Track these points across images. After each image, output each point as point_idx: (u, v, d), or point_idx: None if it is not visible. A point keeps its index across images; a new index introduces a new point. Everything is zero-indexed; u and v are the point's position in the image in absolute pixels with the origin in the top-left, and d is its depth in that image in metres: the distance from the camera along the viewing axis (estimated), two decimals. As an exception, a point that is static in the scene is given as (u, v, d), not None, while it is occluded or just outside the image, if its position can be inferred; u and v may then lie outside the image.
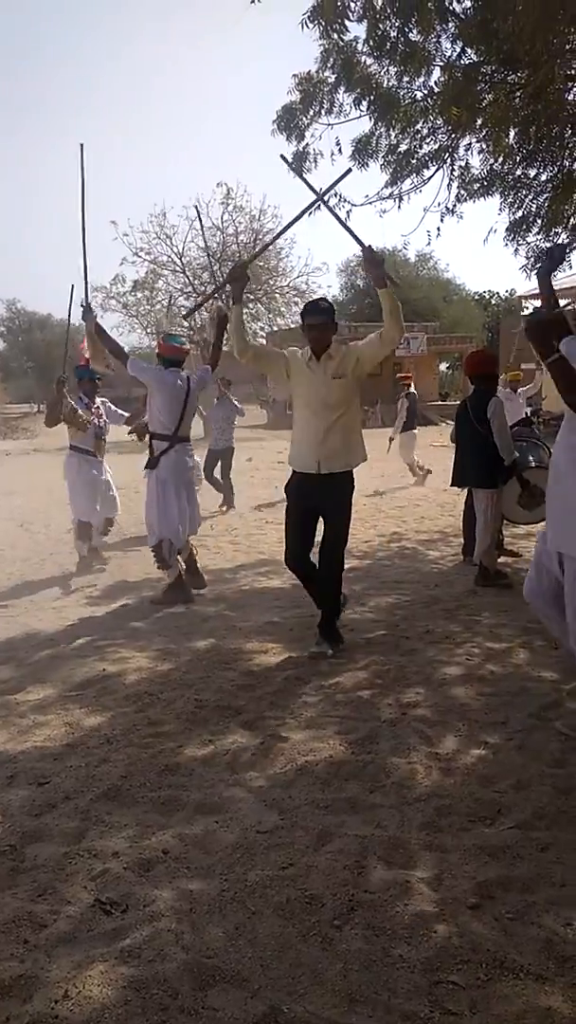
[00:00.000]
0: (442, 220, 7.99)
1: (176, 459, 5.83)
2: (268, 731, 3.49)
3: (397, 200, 7.85)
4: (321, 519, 4.64)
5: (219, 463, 10.54)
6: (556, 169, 7.62)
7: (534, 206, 7.88)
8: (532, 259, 8.15)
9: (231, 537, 8.60)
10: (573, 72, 6.92)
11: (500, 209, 8.00)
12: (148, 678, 4.26)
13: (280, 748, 3.31)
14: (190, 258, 30.45)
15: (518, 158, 7.64)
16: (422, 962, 2.03)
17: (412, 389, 12.70)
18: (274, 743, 3.36)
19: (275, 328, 31.64)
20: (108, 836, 2.69)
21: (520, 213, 7.91)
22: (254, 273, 30.40)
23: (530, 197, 7.88)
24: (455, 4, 6.79)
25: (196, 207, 30.08)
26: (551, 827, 2.66)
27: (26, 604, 6.06)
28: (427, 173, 7.72)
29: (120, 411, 7.71)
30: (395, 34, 6.68)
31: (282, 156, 4.27)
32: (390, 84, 7.17)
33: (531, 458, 6.56)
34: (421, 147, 7.61)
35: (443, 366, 41.40)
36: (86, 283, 6.37)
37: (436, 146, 7.62)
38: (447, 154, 7.63)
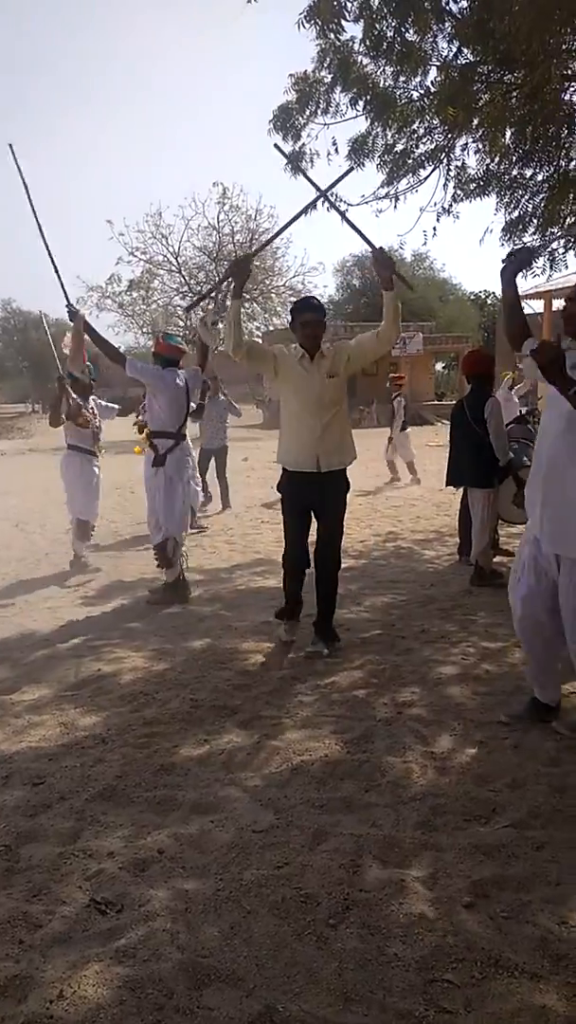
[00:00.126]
0: (438, 220, 8.02)
1: (180, 457, 5.91)
2: (263, 731, 3.49)
3: (393, 200, 7.86)
4: (314, 517, 4.64)
5: (212, 462, 10.53)
6: (552, 169, 7.64)
7: (530, 206, 7.90)
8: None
9: (227, 537, 8.60)
10: (569, 72, 6.93)
11: (496, 209, 8.04)
12: (144, 678, 4.26)
13: (275, 747, 3.31)
14: (186, 258, 30.45)
15: (514, 158, 7.66)
16: (417, 961, 2.03)
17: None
18: (269, 742, 3.36)
19: (271, 328, 31.64)
20: (103, 836, 2.69)
21: (516, 213, 7.93)
22: (251, 272, 30.41)
23: (526, 197, 7.90)
24: (451, 4, 6.82)
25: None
26: (546, 826, 2.66)
27: (21, 604, 6.05)
28: (423, 173, 7.74)
29: (110, 404, 7.70)
30: (392, 34, 6.69)
31: (276, 146, 4.26)
32: (386, 84, 7.18)
33: (526, 458, 6.57)
34: (417, 147, 7.62)
35: (439, 366, 41.46)
36: (62, 285, 6.20)
37: (432, 146, 7.63)
38: (443, 154, 7.65)
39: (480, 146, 7.58)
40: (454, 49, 7.04)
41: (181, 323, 30.31)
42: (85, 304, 27.09)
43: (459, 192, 7.85)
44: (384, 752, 3.24)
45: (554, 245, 8.06)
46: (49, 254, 5.93)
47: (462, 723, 3.52)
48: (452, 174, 7.78)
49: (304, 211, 5.02)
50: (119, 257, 30.66)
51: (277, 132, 7.39)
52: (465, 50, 6.95)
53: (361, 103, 7.15)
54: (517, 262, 3.53)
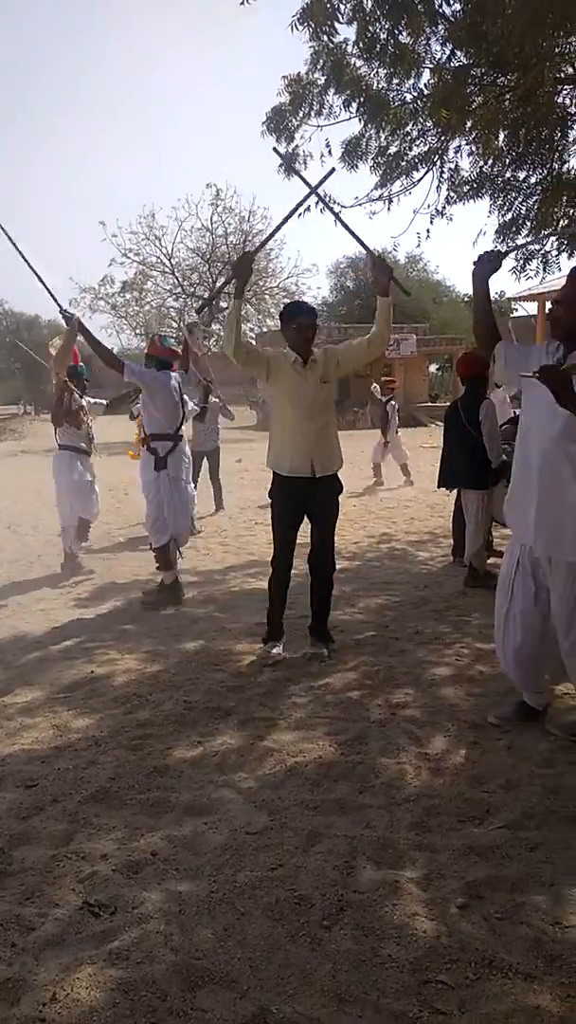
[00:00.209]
0: (432, 222, 8.03)
1: (179, 458, 5.96)
2: (257, 732, 3.49)
3: (387, 202, 7.86)
4: (309, 521, 4.63)
5: (204, 464, 10.52)
6: (545, 172, 7.65)
7: (523, 208, 7.90)
8: (521, 261, 8.19)
9: (221, 538, 8.59)
10: (562, 75, 6.95)
11: (490, 211, 8.03)
12: (137, 680, 4.25)
13: (269, 749, 3.31)
14: (179, 259, 30.45)
15: (507, 160, 7.67)
16: (411, 962, 2.03)
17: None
18: (263, 744, 3.35)
19: (264, 329, 31.66)
20: (96, 838, 2.68)
21: (509, 215, 7.94)
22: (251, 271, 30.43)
23: (519, 199, 7.90)
24: (445, 7, 6.81)
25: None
26: (540, 827, 2.67)
27: (14, 606, 6.03)
28: (417, 175, 7.74)
29: (97, 401, 7.67)
30: (385, 36, 6.68)
31: (275, 149, 4.24)
32: (380, 86, 7.18)
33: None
34: (411, 149, 7.62)
35: (433, 367, 41.49)
36: (49, 292, 6.11)
37: (426, 148, 7.63)
38: (437, 156, 7.65)
39: (473, 148, 7.59)
40: (447, 52, 7.03)
41: (174, 324, 30.28)
42: (78, 306, 27.07)
43: (452, 194, 7.86)
44: (378, 753, 3.24)
45: (547, 248, 8.08)
46: (28, 264, 5.82)
47: (456, 724, 3.52)
48: (445, 176, 7.78)
49: (296, 209, 4.94)
50: (112, 259, 30.68)
51: (271, 134, 7.37)
52: (458, 53, 6.95)
53: (355, 105, 7.15)
54: (488, 265, 3.47)
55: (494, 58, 6.54)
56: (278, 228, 4.84)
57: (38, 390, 48.21)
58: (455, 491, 6.64)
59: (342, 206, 7.56)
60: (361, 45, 6.74)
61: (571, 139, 7.54)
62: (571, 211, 7.69)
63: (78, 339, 6.12)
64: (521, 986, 1.94)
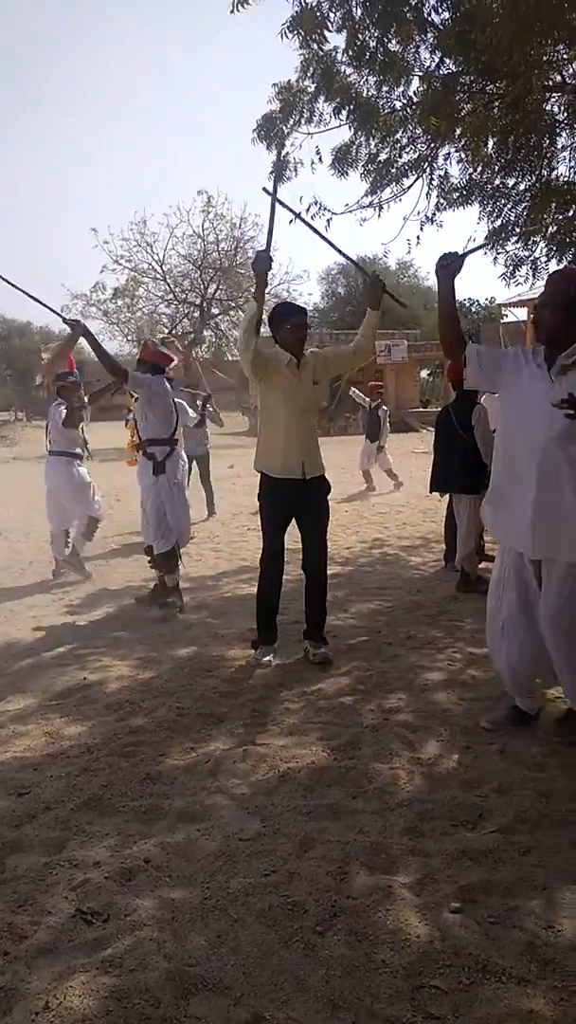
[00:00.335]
0: (422, 229, 8.04)
1: (176, 462, 6.03)
2: (250, 738, 3.48)
3: (377, 209, 7.89)
4: (298, 525, 4.62)
5: (195, 469, 10.51)
6: (534, 179, 7.69)
7: (513, 215, 7.94)
8: (511, 267, 8.22)
9: (213, 544, 8.59)
10: (550, 83, 7.00)
11: (479, 218, 8.06)
12: (129, 686, 4.24)
13: (262, 755, 3.30)
14: (171, 266, 30.46)
15: (497, 167, 7.70)
16: (404, 967, 2.03)
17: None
18: (256, 750, 3.35)
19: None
20: (89, 846, 2.68)
21: (499, 222, 7.97)
22: (235, 280, 30.49)
23: (509, 206, 7.94)
24: (433, 15, 6.84)
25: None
26: (533, 831, 2.67)
27: (6, 613, 6.01)
28: (407, 182, 7.76)
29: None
30: (374, 44, 6.72)
31: (264, 189, 4.23)
32: (370, 94, 7.21)
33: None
34: (401, 156, 7.65)
35: (424, 373, 41.63)
36: (43, 304, 6.10)
37: (415, 155, 7.66)
38: (426, 163, 7.68)
39: (463, 156, 7.62)
40: (436, 60, 7.07)
41: (166, 330, 30.26)
42: (70, 312, 27.04)
43: (442, 201, 7.89)
44: (371, 758, 3.24)
45: (537, 254, 8.12)
46: (25, 292, 5.81)
47: (448, 729, 3.52)
48: (435, 183, 7.81)
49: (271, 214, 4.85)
50: (104, 265, 30.67)
51: (261, 141, 7.41)
52: (447, 61, 6.99)
53: (344, 112, 7.18)
54: (453, 265, 3.40)
55: (483, 66, 6.58)
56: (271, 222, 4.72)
57: (30, 396, 48.17)
58: (447, 496, 6.66)
59: (333, 213, 7.61)
60: (351, 53, 6.77)
61: (559, 146, 7.59)
62: (560, 217, 7.73)
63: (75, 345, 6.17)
64: (514, 990, 1.94)
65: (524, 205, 7.80)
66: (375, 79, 7.10)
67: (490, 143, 7.38)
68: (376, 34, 6.65)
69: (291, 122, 7.35)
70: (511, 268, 8.24)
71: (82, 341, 6.04)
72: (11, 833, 2.77)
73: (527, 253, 8.13)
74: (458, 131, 7.14)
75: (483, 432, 5.93)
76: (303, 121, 7.37)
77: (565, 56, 6.78)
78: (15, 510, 11.42)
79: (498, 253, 8.11)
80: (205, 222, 29.85)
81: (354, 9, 6.56)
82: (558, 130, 7.44)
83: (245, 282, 30.24)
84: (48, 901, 2.37)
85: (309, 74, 7.06)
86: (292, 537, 4.64)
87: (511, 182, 7.87)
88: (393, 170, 7.63)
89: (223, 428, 10.94)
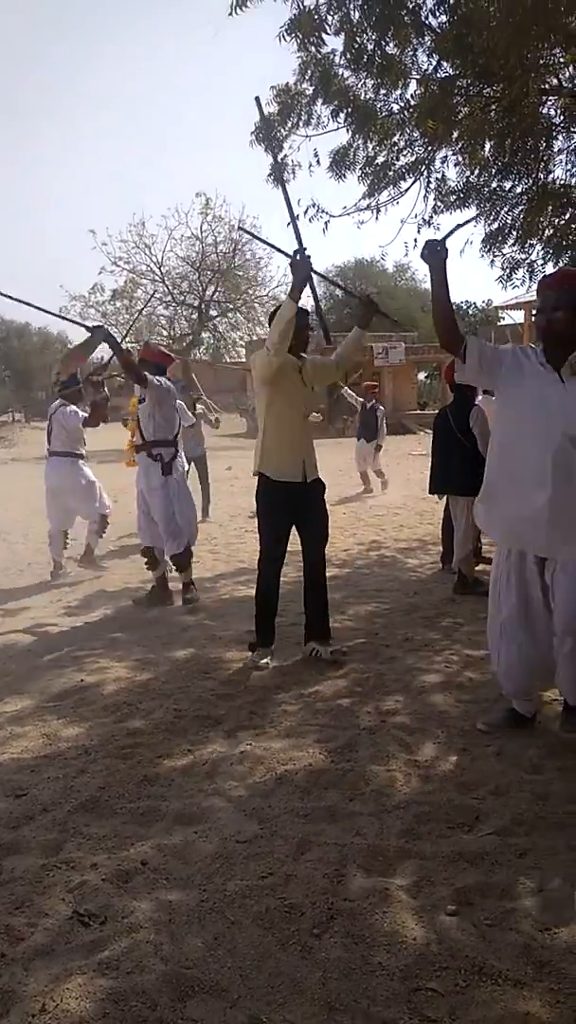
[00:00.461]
0: (419, 231, 8.10)
1: (179, 463, 6.13)
2: (247, 740, 3.49)
3: (375, 211, 7.93)
4: (297, 529, 4.63)
5: (192, 471, 10.53)
6: (531, 181, 7.72)
7: (509, 218, 7.98)
8: (508, 270, 8.25)
9: (211, 546, 8.58)
10: (547, 86, 7.03)
11: (476, 221, 8.10)
12: (127, 688, 4.24)
13: (259, 757, 3.31)
14: (169, 267, 30.49)
15: (493, 170, 7.74)
16: (401, 969, 2.03)
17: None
18: (253, 752, 3.35)
19: (254, 337, 31.71)
20: (86, 848, 2.68)
21: (496, 225, 8.01)
22: (233, 283, 30.53)
23: (505, 209, 7.98)
24: (431, 18, 6.88)
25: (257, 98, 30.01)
26: (529, 833, 2.68)
27: (3, 615, 6.01)
28: (404, 185, 7.80)
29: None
30: (372, 47, 6.75)
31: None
32: (367, 97, 7.25)
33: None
34: (398, 159, 7.69)
35: (421, 375, 41.65)
36: (63, 317, 6.24)
37: (413, 158, 7.70)
38: (424, 166, 7.71)
39: (460, 158, 7.66)
40: (434, 63, 7.11)
41: (164, 332, 30.30)
42: (69, 313, 27.06)
43: (439, 204, 7.92)
44: (368, 761, 3.24)
45: (533, 257, 8.15)
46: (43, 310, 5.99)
47: (445, 731, 3.53)
48: (432, 186, 7.86)
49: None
50: (102, 267, 30.64)
51: (259, 143, 7.43)
52: (444, 64, 7.03)
53: (342, 115, 7.21)
54: (441, 252, 3.31)
55: (480, 69, 6.61)
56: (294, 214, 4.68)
57: (28, 398, 48.16)
58: (444, 498, 6.67)
59: (330, 215, 7.64)
60: (348, 56, 6.80)
61: (556, 149, 7.64)
62: (556, 220, 7.76)
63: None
64: (511, 992, 1.95)
65: (521, 208, 7.84)
66: (373, 82, 7.14)
67: (487, 146, 7.42)
68: (374, 37, 6.69)
69: (289, 125, 7.37)
70: (508, 271, 8.28)
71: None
72: (8, 835, 2.77)
73: (524, 256, 8.18)
74: (455, 134, 7.18)
75: (481, 434, 5.94)
76: (301, 124, 7.39)
77: (561, 59, 6.82)
78: (13, 511, 11.42)
79: (495, 256, 8.14)
80: (203, 224, 29.91)
81: (352, 12, 6.59)
82: (555, 133, 7.49)
83: (243, 284, 30.31)
84: (45, 903, 2.37)
85: (307, 77, 7.09)
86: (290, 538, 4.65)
87: (508, 185, 7.91)
88: (391, 173, 7.66)
89: (218, 430, 10.96)
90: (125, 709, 3.92)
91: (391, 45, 6.72)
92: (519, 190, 7.87)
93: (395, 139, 7.56)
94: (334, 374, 4.81)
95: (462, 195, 7.89)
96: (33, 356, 49.24)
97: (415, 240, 8.39)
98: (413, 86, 7.21)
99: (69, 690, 4.24)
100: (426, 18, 6.84)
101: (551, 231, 7.83)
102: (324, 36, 6.75)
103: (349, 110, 7.15)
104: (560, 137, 7.57)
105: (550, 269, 7.92)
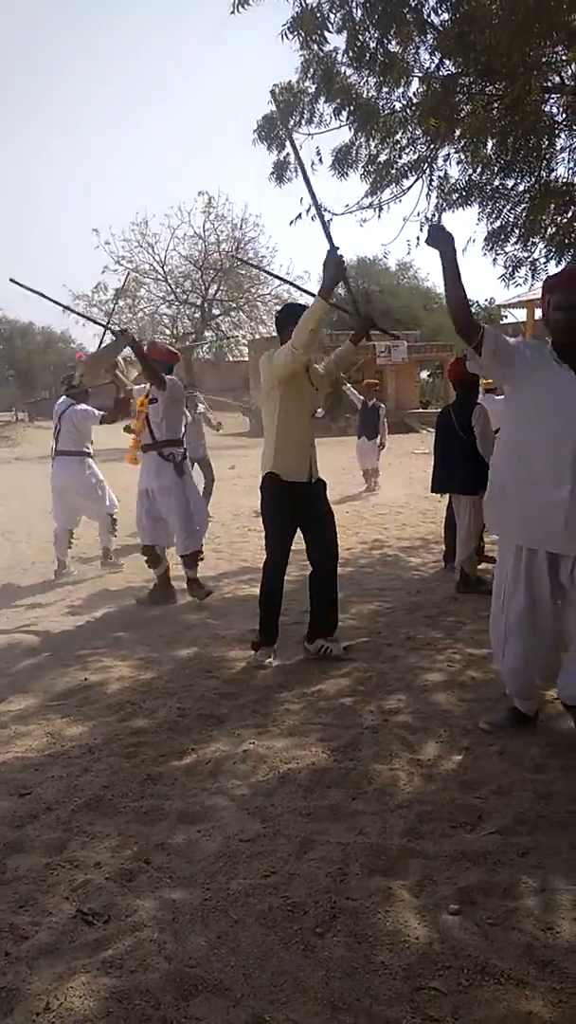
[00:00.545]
0: (421, 229, 8.07)
1: (186, 462, 6.21)
2: (250, 739, 3.49)
3: (377, 210, 7.91)
4: (302, 530, 4.63)
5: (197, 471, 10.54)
6: (533, 180, 7.70)
7: (512, 216, 7.96)
8: (510, 268, 8.24)
9: (214, 545, 8.58)
10: (549, 84, 7.01)
11: (479, 219, 8.08)
12: (130, 687, 4.25)
13: (262, 756, 3.31)
14: (172, 266, 30.50)
15: (496, 169, 7.72)
16: (404, 968, 2.04)
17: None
18: (256, 751, 3.36)
19: (256, 336, 31.71)
20: (90, 846, 2.68)
21: (498, 223, 7.99)
22: (236, 281, 30.53)
23: (508, 207, 7.96)
24: (433, 16, 6.86)
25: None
26: (532, 832, 2.68)
27: (7, 613, 6.03)
28: (406, 183, 7.79)
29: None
30: (374, 45, 6.73)
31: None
32: (370, 95, 7.23)
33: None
34: (400, 157, 7.67)
35: (424, 374, 41.65)
36: (93, 320, 6.35)
37: (415, 156, 7.68)
38: (426, 164, 7.70)
39: (462, 157, 7.64)
40: (436, 61, 7.09)
41: (168, 331, 30.30)
42: (70, 315, 27.11)
43: (442, 202, 7.90)
44: (371, 760, 3.25)
45: (536, 255, 8.13)
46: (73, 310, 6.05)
47: (448, 730, 3.53)
48: (435, 184, 7.84)
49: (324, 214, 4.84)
50: (105, 266, 30.67)
51: (261, 142, 7.43)
52: (447, 62, 7.01)
53: (345, 113, 7.20)
54: (446, 240, 3.26)
55: (482, 67, 6.59)
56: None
57: (32, 397, 48.22)
58: (447, 497, 6.67)
59: (333, 213, 7.63)
60: (351, 54, 6.79)
61: (558, 147, 7.62)
62: (559, 218, 7.74)
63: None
64: (513, 992, 1.95)
65: (523, 206, 7.82)
66: (375, 80, 7.12)
67: (489, 144, 7.40)
68: (376, 35, 6.67)
69: (291, 123, 7.36)
70: (510, 269, 8.26)
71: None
72: (12, 833, 2.78)
73: (526, 254, 8.15)
74: (457, 132, 7.16)
75: (483, 433, 5.94)
76: (304, 122, 7.38)
77: (564, 57, 6.79)
78: (17, 510, 11.44)
79: (497, 254, 8.13)
80: (206, 223, 29.90)
81: (354, 10, 6.58)
82: (557, 131, 7.46)
83: (246, 283, 30.28)
84: (49, 902, 2.38)
85: (309, 75, 7.08)
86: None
87: (510, 183, 7.89)
88: (393, 171, 7.64)
89: (219, 432, 10.96)
90: (129, 708, 3.92)
91: (393, 43, 6.70)
92: (521, 188, 7.85)
93: (397, 137, 7.54)
94: (327, 382, 4.88)
95: (464, 193, 7.87)
96: (36, 355, 49.34)
97: (417, 239, 8.36)
98: (415, 84, 7.20)
99: (73, 689, 4.25)
100: (428, 16, 6.83)
101: (553, 229, 7.82)
102: (326, 34, 6.74)
103: (351, 108, 7.13)
104: (562, 135, 7.55)
105: (552, 267, 7.92)
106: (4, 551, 8.66)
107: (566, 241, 7.72)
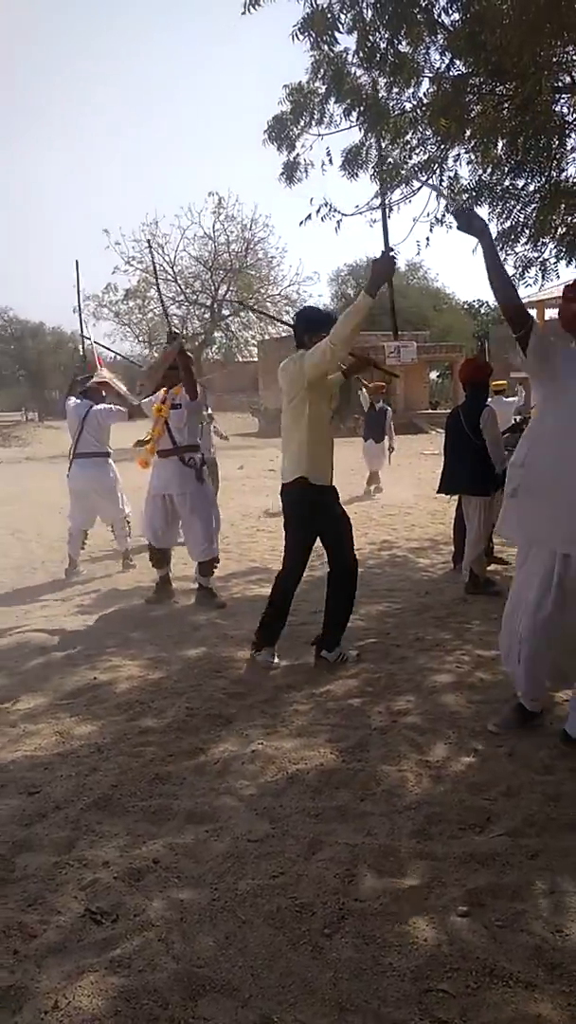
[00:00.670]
0: (431, 230, 8.06)
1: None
2: (259, 739, 3.49)
3: (387, 210, 7.89)
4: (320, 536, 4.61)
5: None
6: (544, 180, 7.68)
7: (522, 216, 7.94)
8: (520, 269, 8.22)
9: (223, 545, 8.56)
10: (560, 84, 6.99)
11: (489, 219, 8.05)
12: (139, 687, 4.26)
13: (271, 756, 3.31)
14: (182, 267, 30.54)
15: (506, 169, 7.70)
16: (412, 970, 2.03)
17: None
18: (264, 751, 3.36)
19: (266, 337, 31.73)
20: (98, 846, 2.69)
21: (508, 223, 7.97)
22: (246, 282, 30.54)
23: (518, 207, 7.94)
24: (444, 17, 6.85)
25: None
26: (541, 834, 2.67)
27: (18, 612, 6.05)
28: (416, 183, 7.77)
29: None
30: (385, 46, 6.72)
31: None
32: (380, 95, 7.22)
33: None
34: (411, 157, 7.67)
35: (433, 375, 41.58)
36: (166, 314, 6.44)
37: (425, 156, 7.68)
38: (436, 164, 7.69)
39: (472, 157, 7.63)
40: (446, 61, 7.07)
41: (177, 332, 30.22)
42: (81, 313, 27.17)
43: (452, 202, 7.89)
44: (379, 761, 3.24)
45: (546, 255, 8.11)
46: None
47: (457, 731, 3.52)
48: (445, 184, 7.84)
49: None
50: (115, 266, 30.73)
51: (272, 142, 7.43)
52: (457, 62, 7.00)
53: (355, 114, 7.18)
54: (478, 226, 3.25)
55: (493, 67, 6.58)
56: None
57: (42, 397, 48.40)
58: (456, 498, 6.66)
59: (343, 214, 7.62)
60: (361, 54, 6.77)
61: (569, 147, 7.58)
62: (569, 219, 7.72)
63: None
64: (522, 994, 1.94)
65: (533, 206, 7.80)
66: (385, 80, 7.11)
67: (500, 144, 7.38)
68: (386, 35, 6.66)
69: (302, 124, 7.36)
70: (520, 269, 8.23)
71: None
72: (21, 832, 2.79)
73: (536, 254, 8.13)
74: (468, 132, 7.15)
75: (492, 434, 5.93)
76: (314, 122, 7.38)
77: (575, 57, 6.77)
78: (27, 510, 11.48)
79: (508, 254, 8.10)
80: (216, 223, 29.93)
81: (365, 10, 6.56)
82: (567, 131, 7.44)
83: (256, 283, 30.29)
84: (58, 900, 2.38)
85: (320, 75, 7.07)
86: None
87: (520, 183, 7.87)
88: (403, 171, 7.63)
89: (228, 441, 10.93)
90: (137, 707, 3.93)
91: (404, 43, 6.69)
92: (532, 188, 7.83)
93: (408, 137, 7.54)
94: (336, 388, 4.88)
95: (474, 193, 7.86)
96: (47, 356, 49.48)
97: (427, 239, 8.37)
98: (426, 84, 7.19)
99: (82, 688, 4.26)
100: (439, 16, 6.81)
101: (564, 229, 7.80)
102: (337, 34, 6.73)
103: (361, 109, 7.12)
104: (573, 135, 7.52)
105: (563, 268, 7.91)
106: (14, 550, 8.69)
107: (576, 241, 7.70)
